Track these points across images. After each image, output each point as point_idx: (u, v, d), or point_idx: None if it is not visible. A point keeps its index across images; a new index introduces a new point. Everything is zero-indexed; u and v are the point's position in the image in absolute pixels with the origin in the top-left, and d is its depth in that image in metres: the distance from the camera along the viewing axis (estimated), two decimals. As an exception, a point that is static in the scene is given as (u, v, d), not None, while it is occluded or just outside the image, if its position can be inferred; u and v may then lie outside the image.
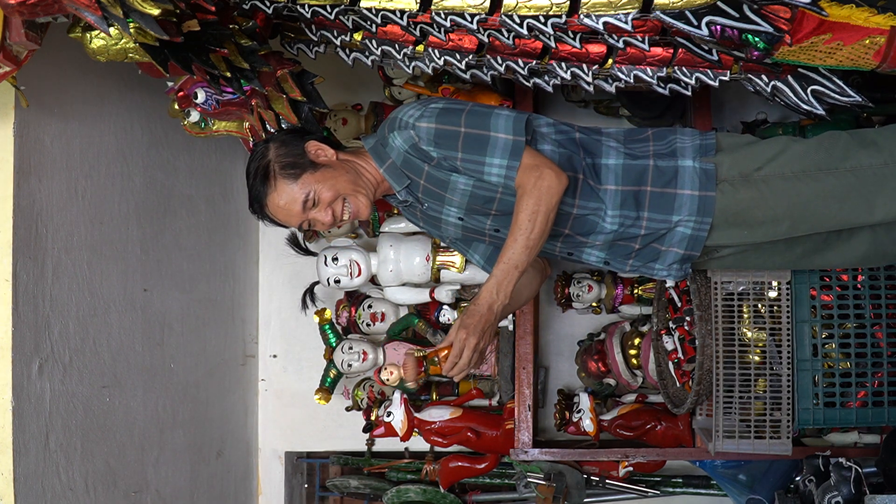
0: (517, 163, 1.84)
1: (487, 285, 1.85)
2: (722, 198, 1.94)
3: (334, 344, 2.98)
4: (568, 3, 1.81)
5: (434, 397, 3.05)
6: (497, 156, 1.85)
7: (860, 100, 2.05)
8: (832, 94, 2.04)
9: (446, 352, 1.88)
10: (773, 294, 2.37)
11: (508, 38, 1.98)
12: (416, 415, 2.89)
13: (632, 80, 2.12)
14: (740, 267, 2.21)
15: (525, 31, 1.88)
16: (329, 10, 1.97)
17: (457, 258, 2.83)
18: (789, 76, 2.07)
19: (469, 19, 1.89)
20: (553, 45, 1.98)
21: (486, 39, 2.00)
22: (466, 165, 1.89)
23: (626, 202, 1.94)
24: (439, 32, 2.02)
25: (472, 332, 1.84)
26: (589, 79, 2.13)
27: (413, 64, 2.15)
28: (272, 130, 2.20)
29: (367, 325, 3.00)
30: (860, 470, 2.25)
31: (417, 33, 2.02)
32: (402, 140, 1.92)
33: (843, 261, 2.09)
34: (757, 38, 1.84)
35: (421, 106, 1.92)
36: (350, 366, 2.91)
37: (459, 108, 1.91)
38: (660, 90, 2.14)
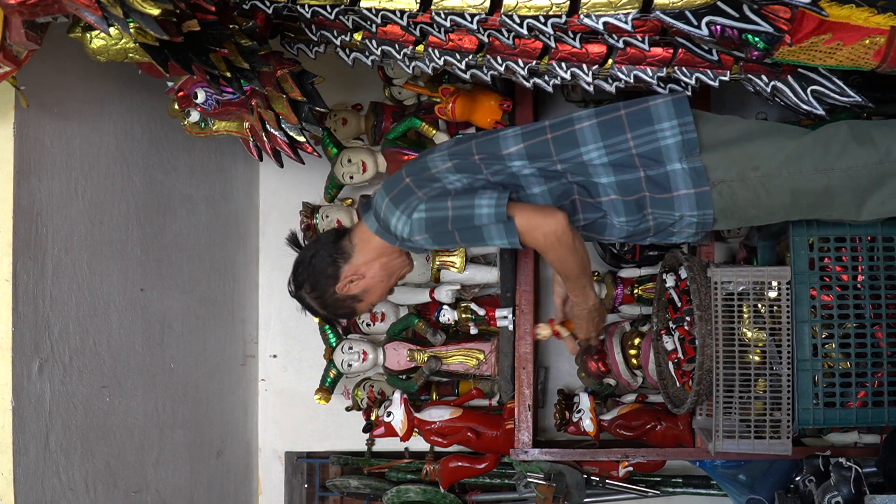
0: (516, 238, 1.96)
1: (576, 307, 2.18)
2: (720, 199, 2.01)
3: (334, 344, 2.98)
4: (568, 3, 1.81)
5: (434, 397, 3.05)
6: (496, 239, 1.97)
7: (860, 100, 2.05)
8: (832, 94, 2.04)
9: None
10: (773, 294, 2.37)
11: (508, 38, 1.98)
12: (416, 415, 2.89)
13: (632, 80, 2.12)
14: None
15: (525, 31, 1.88)
16: (329, 10, 1.97)
17: (456, 258, 2.83)
18: (789, 76, 2.06)
19: (469, 19, 1.89)
20: (553, 45, 1.98)
21: (486, 39, 2.00)
22: (474, 246, 2.09)
23: (629, 209, 2.04)
24: (439, 32, 2.02)
25: (589, 335, 2.28)
26: (589, 79, 2.12)
27: (413, 64, 2.15)
28: (272, 131, 2.20)
29: (367, 325, 3.00)
30: (860, 470, 2.25)
31: (417, 33, 2.02)
32: (403, 243, 2.06)
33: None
34: (757, 38, 1.84)
35: (405, 218, 1.99)
36: (350, 366, 2.91)
37: (443, 216, 1.97)
38: (660, 90, 2.14)
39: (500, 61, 2.13)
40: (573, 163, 2.02)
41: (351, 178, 2.94)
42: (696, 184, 1.98)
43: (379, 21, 1.96)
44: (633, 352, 2.87)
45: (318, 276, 2.17)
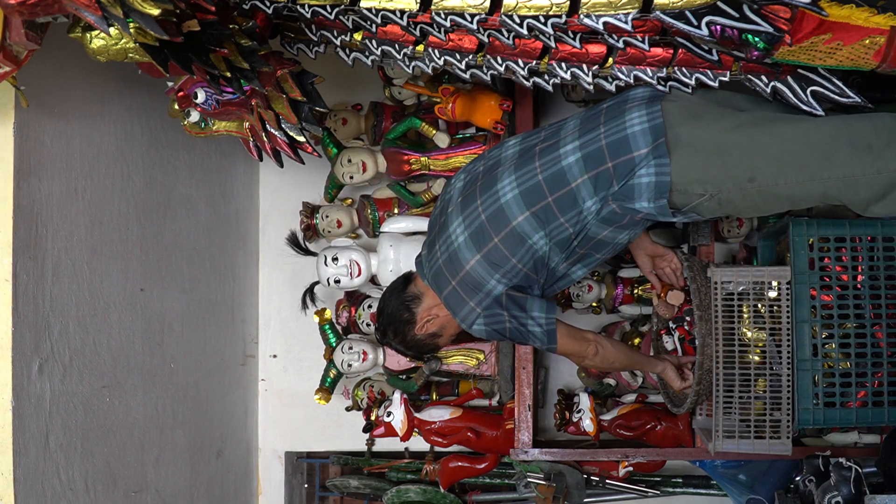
0: (555, 353, 2.27)
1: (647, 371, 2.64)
2: (719, 208, 2.06)
3: (334, 344, 2.98)
4: (568, 3, 1.81)
5: (434, 397, 3.05)
6: (537, 347, 2.27)
7: (860, 100, 2.05)
8: (832, 95, 2.04)
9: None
10: (773, 294, 2.37)
11: (508, 38, 1.98)
12: (416, 415, 2.89)
13: (632, 81, 2.12)
14: None
15: (525, 31, 1.88)
16: (329, 10, 1.97)
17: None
18: (789, 76, 2.06)
19: (469, 19, 1.89)
20: (553, 45, 1.98)
21: (486, 39, 2.00)
22: None
23: (626, 227, 2.12)
24: (439, 32, 2.02)
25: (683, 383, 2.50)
26: (589, 79, 2.12)
27: (413, 64, 2.15)
28: (272, 131, 2.20)
29: (367, 325, 3.00)
30: (860, 470, 2.25)
31: (417, 33, 2.02)
32: None
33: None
34: (757, 38, 1.84)
35: (466, 326, 2.20)
36: (350, 366, 2.91)
37: (501, 329, 2.18)
38: (660, 89, 2.13)
39: (500, 61, 2.13)
40: (579, 224, 2.10)
41: (351, 178, 2.94)
42: (661, 215, 2.07)
43: (379, 21, 1.96)
44: (633, 352, 2.87)
45: (396, 322, 2.29)
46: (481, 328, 2.19)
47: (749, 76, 2.10)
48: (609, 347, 2.33)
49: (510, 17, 1.86)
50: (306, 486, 3.54)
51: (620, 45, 1.98)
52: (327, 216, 3.10)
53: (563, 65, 2.12)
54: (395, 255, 2.81)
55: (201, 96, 2.14)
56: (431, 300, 2.27)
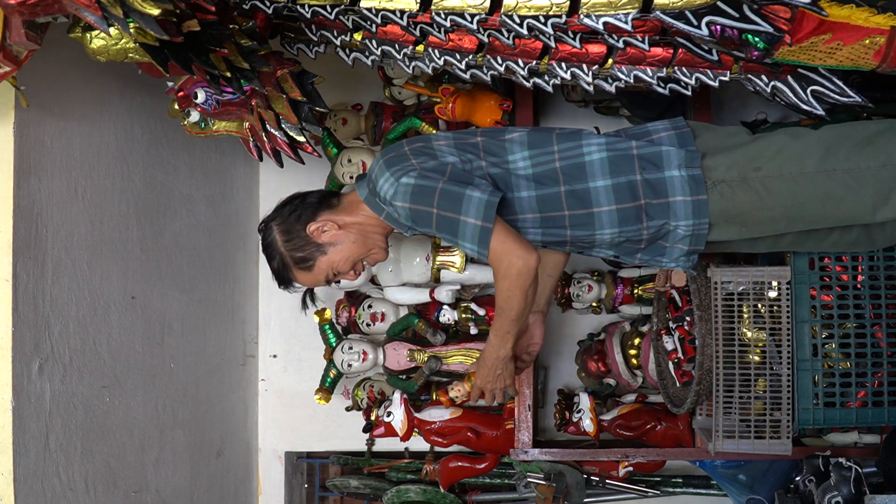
0: (486, 249, 1.90)
1: (488, 347, 2.08)
2: (720, 200, 1.96)
3: (334, 344, 2.98)
4: (568, 3, 1.81)
5: (434, 397, 3.05)
6: (468, 240, 1.90)
7: (860, 100, 2.05)
8: (832, 95, 2.04)
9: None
10: (773, 294, 2.37)
11: (508, 38, 1.98)
12: (416, 415, 2.89)
13: (632, 81, 2.12)
14: (736, 250, 2.23)
15: (525, 31, 1.88)
16: (329, 10, 1.97)
17: (457, 258, 2.83)
18: (789, 76, 2.06)
19: (469, 19, 1.89)
20: (553, 45, 1.98)
21: (486, 39, 2.00)
22: (444, 238, 1.98)
23: (625, 219, 1.97)
24: (439, 32, 2.02)
25: (485, 384, 2.14)
26: (589, 79, 2.13)
27: (413, 64, 2.15)
28: (272, 131, 2.20)
29: (367, 325, 3.00)
30: (860, 470, 2.25)
31: (417, 33, 2.02)
32: (387, 211, 2.02)
33: (833, 248, 2.18)
34: (757, 38, 1.84)
35: (393, 180, 1.95)
36: (350, 366, 2.91)
37: (432, 187, 1.91)
38: (660, 90, 2.14)
39: (500, 61, 2.13)
40: (572, 162, 1.98)
41: (351, 177, 2.94)
42: (693, 191, 1.94)
43: (379, 21, 1.96)
44: (633, 352, 2.87)
45: (295, 210, 2.11)
46: (410, 181, 1.92)
47: (749, 76, 2.10)
48: (536, 285, 2.00)
49: (510, 17, 1.86)
50: (306, 486, 3.54)
51: (620, 45, 1.98)
52: (327, 216, 3.10)
53: (563, 65, 2.12)
54: (394, 255, 2.81)
55: (201, 96, 2.14)
56: (343, 216, 2.09)
